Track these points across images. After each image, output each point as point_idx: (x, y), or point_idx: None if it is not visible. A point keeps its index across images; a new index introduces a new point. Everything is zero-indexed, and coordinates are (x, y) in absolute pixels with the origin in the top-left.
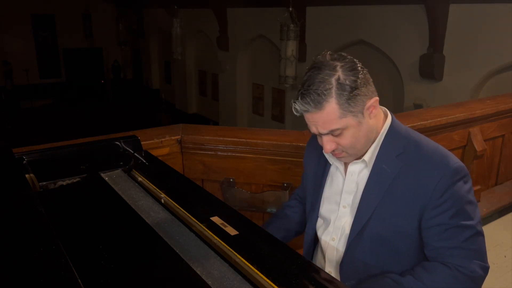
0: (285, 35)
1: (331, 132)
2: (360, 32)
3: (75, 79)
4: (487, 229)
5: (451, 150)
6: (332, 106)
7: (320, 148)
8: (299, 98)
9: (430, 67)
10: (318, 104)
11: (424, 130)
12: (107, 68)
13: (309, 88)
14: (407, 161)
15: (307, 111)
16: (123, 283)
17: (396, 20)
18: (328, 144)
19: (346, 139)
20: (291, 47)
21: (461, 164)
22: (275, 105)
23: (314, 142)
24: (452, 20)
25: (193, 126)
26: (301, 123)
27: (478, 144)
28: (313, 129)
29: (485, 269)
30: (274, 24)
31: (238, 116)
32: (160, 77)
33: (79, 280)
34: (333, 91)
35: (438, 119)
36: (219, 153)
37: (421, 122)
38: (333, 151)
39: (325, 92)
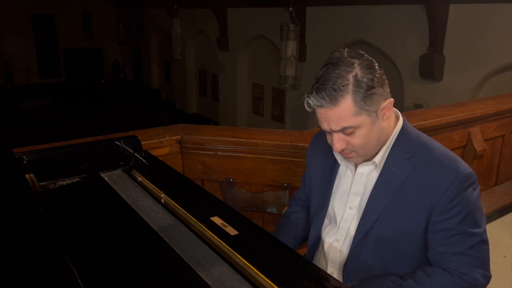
0: (285, 35)
1: (343, 130)
2: (360, 32)
3: (75, 79)
4: (487, 229)
5: (451, 150)
6: (347, 103)
7: (326, 147)
8: (314, 93)
9: (430, 67)
10: (334, 99)
11: (424, 130)
12: (107, 68)
13: (325, 83)
14: (417, 165)
15: (321, 106)
16: (123, 283)
17: (396, 20)
18: (338, 143)
19: (357, 139)
20: (291, 47)
21: (471, 170)
22: (275, 105)
23: (318, 141)
24: (452, 20)
25: (193, 126)
26: (301, 123)
27: (478, 144)
28: (325, 126)
29: (487, 278)
30: (274, 24)
31: (238, 116)
32: (160, 77)
33: (79, 280)
34: (350, 87)
35: (438, 119)
36: (219, 153)
37: (421, 122)
38: (343, 150)
39: (342, 87)
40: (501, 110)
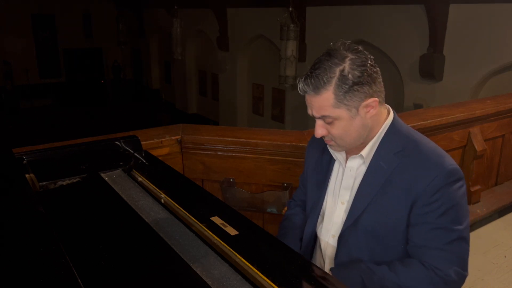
0: (285, 35)
1: (323, 118)
2: (360, 32)
3: (75, 79)
4: (487, 229)
5: (451, 150)
6: (328, 94)
7: (323, 146)
8: (303, 79)
9: (430, 67)
10: (316, 89)
11: (424, 130)
12: (107, 68)
13: (314, 71)
14: (404, 159)
15: (306, 92)
16: (123, 283)
17: (396, 20)
18: (319, 129)
19: (336, 129)
20: (291, 47)
21: (457, 167)
22: (275, 105)
23: (316, 141)
24: (452, 20)
25: (193, 126)
26: (301, 123)
27: (478, 144)
28: (309, 111)
29: (461, 277)
30: (274, 24)
31: (238, 116)
32: (160, 77)
33: (79, 280)
34: (334, 81)
35: (438, 119)
36: (219, 153)
37: (421, 122)
38: (324, 137)
39: (325, 80)
40: (501, 110)
